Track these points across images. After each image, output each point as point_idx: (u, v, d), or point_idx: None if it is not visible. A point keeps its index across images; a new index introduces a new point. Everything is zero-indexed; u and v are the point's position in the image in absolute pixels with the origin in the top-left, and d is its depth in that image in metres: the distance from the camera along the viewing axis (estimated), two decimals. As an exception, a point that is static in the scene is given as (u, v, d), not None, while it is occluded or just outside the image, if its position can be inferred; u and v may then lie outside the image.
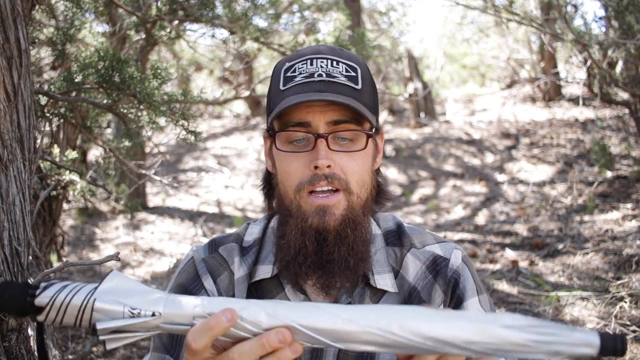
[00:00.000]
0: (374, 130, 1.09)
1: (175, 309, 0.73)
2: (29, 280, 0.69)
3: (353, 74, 1.07)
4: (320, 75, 1.05)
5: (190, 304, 0.74)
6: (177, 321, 0.74)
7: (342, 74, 1.06)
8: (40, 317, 0.74)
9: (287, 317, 0.73)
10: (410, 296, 1.13)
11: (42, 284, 0.74)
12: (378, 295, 1.13)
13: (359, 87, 1.06)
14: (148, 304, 0.73)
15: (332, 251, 1.04)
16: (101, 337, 0.72)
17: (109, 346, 0.73)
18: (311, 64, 1.07)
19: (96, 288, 0.74)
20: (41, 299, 0.73)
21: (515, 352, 0.71)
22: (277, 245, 1.12)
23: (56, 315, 0.73)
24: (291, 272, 1.06)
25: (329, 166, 1.02)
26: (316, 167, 1.02)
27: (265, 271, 1.14)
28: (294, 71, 1.07)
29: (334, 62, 1.07)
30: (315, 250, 1.04)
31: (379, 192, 1.17)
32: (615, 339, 0.69)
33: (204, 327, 0.72)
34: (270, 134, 1.11)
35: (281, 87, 1.07)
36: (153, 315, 0.73)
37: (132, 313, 0.72)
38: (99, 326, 0.71)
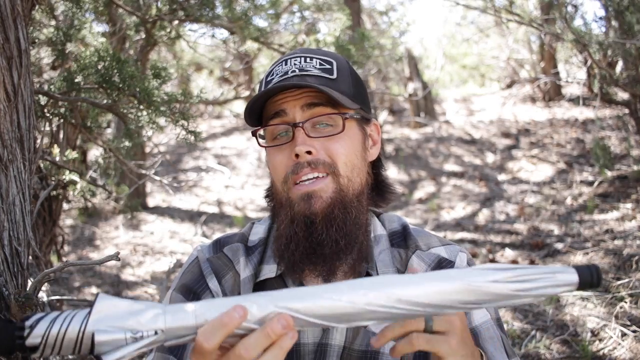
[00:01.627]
0: (356, 115, 1.11)
1: (177, 323, 0.72)
2: (11, 319, 0.65)
3: (327, 66, 1.11)
4: (293, 72, 1.09)
5: (190, 315, 0.73)
6: (180, 333, 0.73)
7: (315, 68, 1.10)
8: (35, 355, 0.72)
9: (288, 307, 0.73)
10: None
11: (28, 323, 0.70)
12: None
13: (334, 77, 1.09)
14: (148, 323, 0.71)
15: (321, 233, 1.04)
16: None
17: None
18: (286, 64, 1.11)
19: (88, 315, 0.71)
20: (32, 340, 0.70)
21: (505, 302, 0.76)
22: (273, 239, 1.13)
23: (52, 351, 0.71)
24: (286, 261, 1.07)
25: (310, 152, 1.04)
26: (297, 156, 1.04)
27: (269, 270, 1.14)
28: (272, 74, 1.12)
29: (307, 59, 1.11)
30: (305, 236, 1.05)
31: (380, 186, 1.18)
32: (592, 273, 0.74)
33: (216, 325, 0.71)
34: (257, 138, 1.15)
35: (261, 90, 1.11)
36: (156, 333, 0.72)
37: (135, 337, 0.71)
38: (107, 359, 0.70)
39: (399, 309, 0.74)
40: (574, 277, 0.75)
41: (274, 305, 0.73)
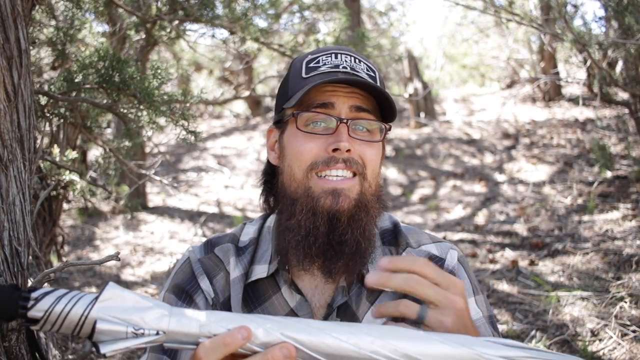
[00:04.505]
0: (388, 127, 1.12)
1: (180, 327, 0.72)
2: (18, 284, 0.64)
3: (372, 74, 1.10)
4: (345, 67, 1.07)
5: (195, 323, 0.73)
6: (181, 340, 0.73)
7: (364, 71, 1.09)
8: (34, 327, 0.72)
9: (293, 338, 0.73)
10: (405, 296, 1.13)
11: (34, 295, 0.71)
12: (375, 295, 1.12)
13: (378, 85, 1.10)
14: (151, 322, 0.71)
15: (345, 232, 1.03)
16: (106, 355, 0.71)
17: (104, 352, 0.71)
18: (335, 57, 1.09)
19: (94, 301, 0.71)
20: (35, 312, 0.70)
21: None
22: (283, 228, 1.10)
23: (52, 327, 0.71)
24: (300, 252, 1.05)
25: (348, 150, 1.03)
26: (335, 150, 1.03)
27: (261, 271, 1.13)
28: (318, 62, 1.09)
29: (357, 60, 1.10)
30: (326, 232, 1.03)
31: (378, 197, 1.18)
32: None
33: (218, 343, 0.71)
34: (282, 121, 1.12)
35: (304, 75, 1.08)
36: (157, 334, 0.71)
37: (136, 333, 0.70)
38: (104, 349, 0.70)
39: None
40: None
41: (280, 333, 0.73)
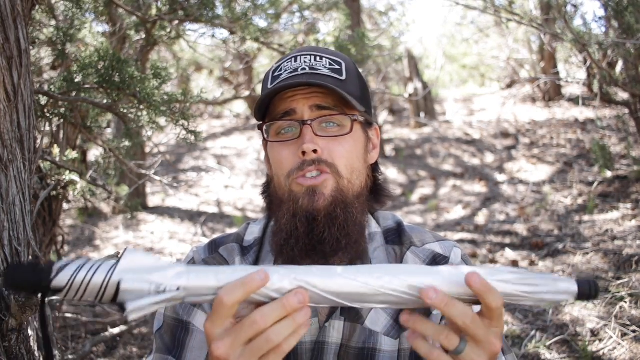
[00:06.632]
0: (361, 118, 1.11)
1: (199, 282, 0.76)
2: (38, 263, 0.67)
3: (337, 67, 1.10)
4: (304, 69, 1.08)
5: (212, 275, 0.77)
6: (201, 292, 0.77)
7: (325, 67, 1.09)
8: (59, 295, 0.75)
9: (305, 281, 0.77)
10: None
11: (56, 267, 0.74)
12: None
13: (343, 78, 1.09)
14: (171, 279, 0.75)
15: (323, 231, 1.04)
16: (130, 316, 0.73)
17: (131, 317, 0.73)
18: (295, 61, 1.11)
19: (115, 265, 0.75)
20: (58, 282, 0.73)
21: (508, 300, 0.81)
22: (272, 234, 1.12)
23: (76, 294, 0.74)
24: (285, 256, 1.07)
25: (315, 151, 1.04)
26: (304, 153, 1.04)
27: None
28: (280, 70, 1.11)
29: (317, 57, 1.11)
30: (306, 232, 1.04)
31: (377, 189, 1.18)
32: (590, 286, 0.80)
33: (238, 284, 0.74)
34: (263, 132, 1.14)
35: (269, 86, 1.11)
36: (178, 289, 0.75)
37: (158, 290, 0.74)
38: (130, 306, 0.73)
39: (410, 295, 0.78)
40: (573, 287, 0.80)
41: (294, 277, 0.77)
